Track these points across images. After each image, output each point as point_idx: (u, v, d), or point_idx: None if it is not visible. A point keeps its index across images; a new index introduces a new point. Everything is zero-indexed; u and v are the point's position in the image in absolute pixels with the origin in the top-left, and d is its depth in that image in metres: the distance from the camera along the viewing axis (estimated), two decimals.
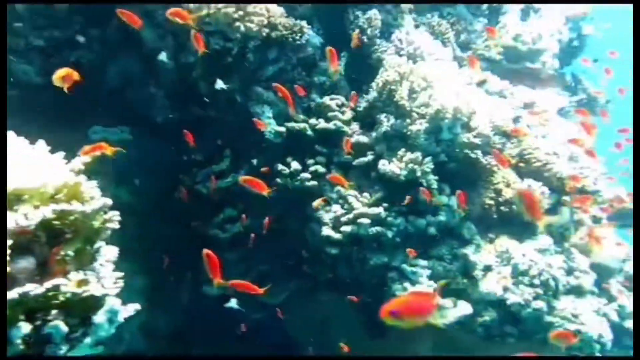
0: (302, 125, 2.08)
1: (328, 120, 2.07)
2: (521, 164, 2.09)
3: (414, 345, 2.04)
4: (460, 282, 2.00)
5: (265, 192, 1.71)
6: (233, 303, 2.45)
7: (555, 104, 2.45)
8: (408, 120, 1.92)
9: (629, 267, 2.31)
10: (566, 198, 2.17)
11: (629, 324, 2.14)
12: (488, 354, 2.01)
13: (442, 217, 1.97)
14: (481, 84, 2.13)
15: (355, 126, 2.12)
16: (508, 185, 2.04)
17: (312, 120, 2.09)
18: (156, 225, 2.15)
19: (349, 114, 2.10)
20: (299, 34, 2.01)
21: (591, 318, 1.93)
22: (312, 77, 2.16)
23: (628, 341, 2.18)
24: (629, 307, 2.17)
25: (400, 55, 2.08)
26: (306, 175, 2.05)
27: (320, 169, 2.07)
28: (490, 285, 1.95)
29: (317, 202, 2.03)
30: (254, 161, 2.09)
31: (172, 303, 2.31)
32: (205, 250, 1.44)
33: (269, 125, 2.03)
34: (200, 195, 2.12)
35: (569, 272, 2.08)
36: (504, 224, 2.06)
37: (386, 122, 1.97)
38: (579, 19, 2.77)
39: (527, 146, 2.08)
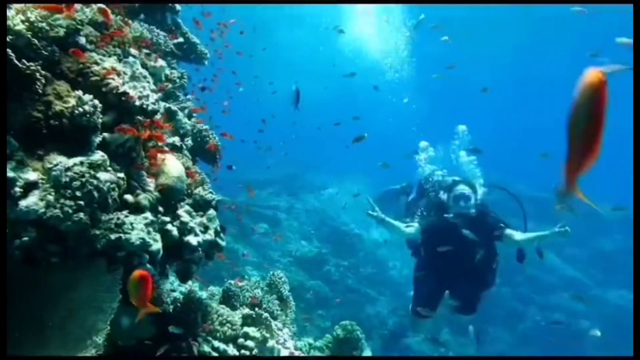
0: None
1: None
2: (79, 78, 1.99)
3: None
4: None
5: None
6: None
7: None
8: None
9: (196, 190, 2.57)
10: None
11: (189, 238, 2.37)
12: (32, 278, 1.86)
13: None
14: None
15: None
16: (60, 98, 1.91)
17: None
18: None
19: None
20: None
21: (139, 229, 2.02)
22: None
23: (188, 255, 2.40)
24: (191, 223, 2.40)
25: None
26: None
27: None
28: (31, 202, 1.79)
29: None
30: None
31: None
32: None
33: None
34: None
35: (131, 190, 2.13)
36: (55, 138, 1.92)
37: None
38: None
39: (85, 60, 1.99)
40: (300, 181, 14.92)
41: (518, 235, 4.20)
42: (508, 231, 4.24)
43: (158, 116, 2.41)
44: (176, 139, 2.57)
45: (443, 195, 4.40)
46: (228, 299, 3.42)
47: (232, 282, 3.56)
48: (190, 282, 4.04)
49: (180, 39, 3.01)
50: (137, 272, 1.62)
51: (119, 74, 2.02)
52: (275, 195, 13.81)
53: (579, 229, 12.83)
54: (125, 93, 1.97)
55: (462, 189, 4.18)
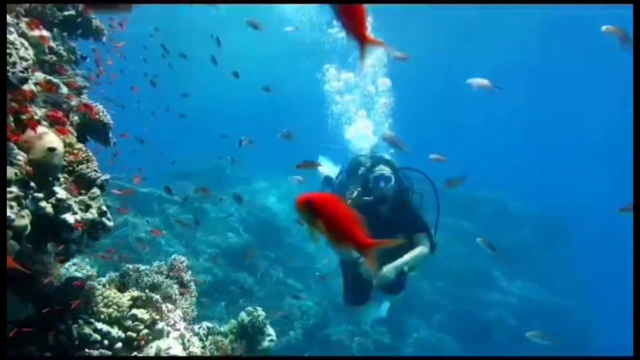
0: None
1: None
2: None
3: None
4: None
5: None
6: None
7: None
8: None
9: (78, 167, 2.49)
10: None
11: (66, 216, 2.29)
12: None
13: None
14: None
15: None
16: None
17: None
18: None
19: None
20: None
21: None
22: None
23: (65, 234, 2.32)
24: (69, 201, 2.32)
25: None
26: None
27: None
28: None
29: None
30: None
31: None
32: None
33: None
34: None
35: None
36: None
37: None
38: None
39: None
40: (227, 173, 14.74)
41: (418, 248, 4.21)
42: (421, 239, 4.24)
43: (34, 87, 2.31)
44: (58, 114, 2.46)
45: (364, 174, 4.31)
46: (125, 283, 3.35)
47: (130, 266, 3.47)
48: (89, 267, 3.91)
49: (72, 12, 2.87)
50: None
51: None
52: (202, 187, 13.56)
53: (489, 223, 13.70)
54: None
55: (382, 169, 4.08)
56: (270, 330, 4.12)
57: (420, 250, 4.21)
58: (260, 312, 4.09)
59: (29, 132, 2.21)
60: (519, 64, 19.00)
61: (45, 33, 2.47)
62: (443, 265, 11.60)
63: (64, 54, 2.67)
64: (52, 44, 2.60)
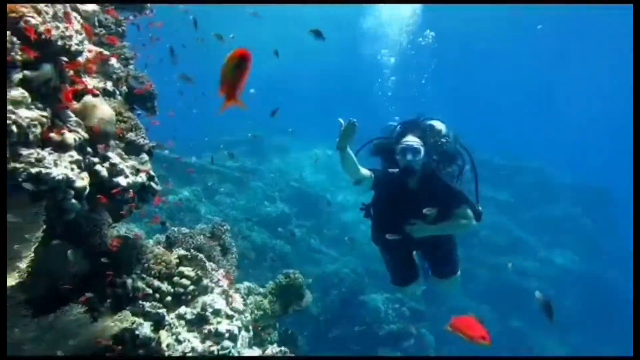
0: None
1: None
2: None
3: None
4: None
5: None
6: None
7: None
8: None
9: (128, 135, 2.66)
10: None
11: (119, 179, 2.47)
12: None
13: None
14: None
15: None
16: None
17: None
18: None
19: None
20: None
21: (63, 166, 2.11)
22: None
23: (118, 195, 2.51)
24: (121, 165, 2.50)
25: None
26: None
27: None
28: None
29: None
30: None
31: None
32: None
33: None
34: None
35: (57, 130, 2.21)
36: None
37: None
38: None
39: None
40: (266, 143, 14.93)
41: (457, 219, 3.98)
42: (461, 212, 3.96)
43: (84, 58, 2.46)
44: (108, 84, 2.62)
45: (392, 145, 3.94)
46: (171, 245, 3.58)
47: (175, 229, 3.70)
48: (137, 230, 4.17)
49: None
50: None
51: (39, 13, 2.06)
52: (241, 156, 13.86)
53: (528, 192, 13.36)
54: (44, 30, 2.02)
55: (410, 140, 3.76)
56: (307, 292, 4.31)
57: (458, 221, 3.99)
58: (297, 274, 4.27)
59: (84, 101, 2.38)
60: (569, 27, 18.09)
61: (95, 7, 2.61)
62: (480, 235, 11.51)
63: (112, 26, 2.81)
64: (101, 17, 2.74)
